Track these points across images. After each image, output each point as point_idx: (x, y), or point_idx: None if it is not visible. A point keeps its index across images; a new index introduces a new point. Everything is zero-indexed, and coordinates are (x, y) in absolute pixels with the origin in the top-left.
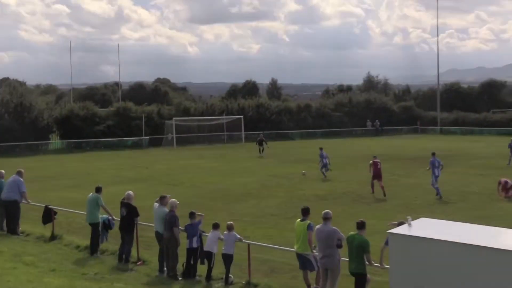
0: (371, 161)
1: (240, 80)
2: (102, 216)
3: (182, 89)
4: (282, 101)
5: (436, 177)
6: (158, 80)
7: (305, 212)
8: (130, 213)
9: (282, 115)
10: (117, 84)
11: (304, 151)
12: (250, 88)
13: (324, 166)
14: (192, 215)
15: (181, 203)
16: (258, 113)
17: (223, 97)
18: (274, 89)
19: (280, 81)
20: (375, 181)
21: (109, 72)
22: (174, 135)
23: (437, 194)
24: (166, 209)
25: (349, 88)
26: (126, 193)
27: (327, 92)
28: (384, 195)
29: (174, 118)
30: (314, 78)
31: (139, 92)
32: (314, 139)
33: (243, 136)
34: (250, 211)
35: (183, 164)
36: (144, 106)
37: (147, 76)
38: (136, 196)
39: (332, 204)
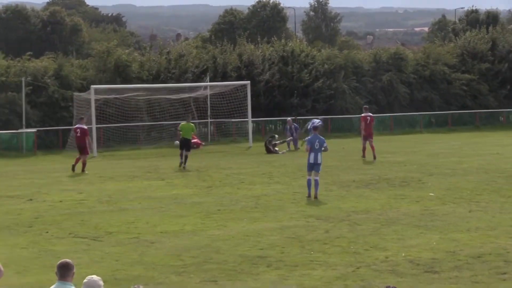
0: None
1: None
2: None
3: (111, 21)
4: (339, 48)
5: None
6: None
7: None
8: None
9: (341, 78)
10: None
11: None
12: (265, 19)
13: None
14: None
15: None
16: (287, 74)
17: (206, 38)
18: (322, 20)
19: (335, 2)
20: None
21: None
22: (94, 127)
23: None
24: None
25: (493, 17)
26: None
27: (441, 26)
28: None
29: (94, 87)
30: None
31: (11, 28)
32: (415, 134)
33: (249, 127)
34: None
35: (114, 190)
36: (25, 59)
37: None
38: None
39: None
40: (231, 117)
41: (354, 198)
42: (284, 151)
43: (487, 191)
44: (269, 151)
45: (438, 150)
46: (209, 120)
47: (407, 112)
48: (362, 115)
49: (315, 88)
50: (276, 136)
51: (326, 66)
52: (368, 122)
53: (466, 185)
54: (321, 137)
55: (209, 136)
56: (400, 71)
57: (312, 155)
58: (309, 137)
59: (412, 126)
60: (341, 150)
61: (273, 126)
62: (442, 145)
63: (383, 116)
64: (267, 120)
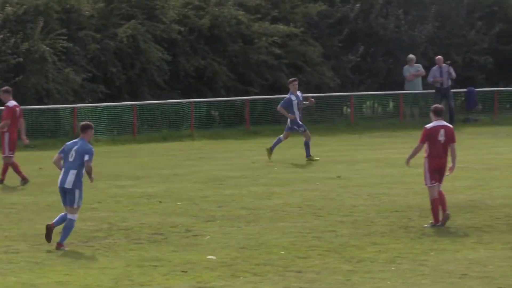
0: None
1: None
2: None
3: None
4: None
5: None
6: None
7: None
8: None
9: (37, 33)
10: None
11: None
12: None
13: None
14: None
15: None
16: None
17: None
18: None
19: None
20: None
21: None
22: None
23: None
24: None
25: None
26: None
27: None
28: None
29: None
30: None
31: None
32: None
33: None
34: None
35: None
36: None
37: None
38: None
39: None
40: None
41: (59, 267)
42: None
43: (319, 250)
44: None
45: (226, 171)
46: None
47: (170, 99)
48: (7, 104)
49: None
50: None
51: (9, 9)
52: (17, 115)
53: (278, 240)
54: (88, 144)
55: None
56: (152, 18)
57: (62, 172)
58: (69, 142)
59: (182, 124)
60: (36, 172)
61: None
62: (235, 160)
63: (106, 106)
64: None
